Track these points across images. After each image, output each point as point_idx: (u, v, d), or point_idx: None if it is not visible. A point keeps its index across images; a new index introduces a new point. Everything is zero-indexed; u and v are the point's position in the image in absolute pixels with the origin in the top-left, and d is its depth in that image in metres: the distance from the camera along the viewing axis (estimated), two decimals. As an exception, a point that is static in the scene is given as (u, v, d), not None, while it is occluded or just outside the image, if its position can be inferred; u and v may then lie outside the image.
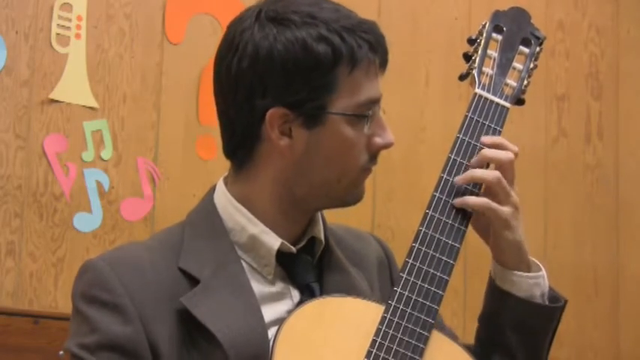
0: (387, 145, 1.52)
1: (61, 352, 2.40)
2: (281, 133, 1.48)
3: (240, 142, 1.51)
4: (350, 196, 1.53)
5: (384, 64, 1.52)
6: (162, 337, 1.42)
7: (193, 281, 1.46)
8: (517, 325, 1.54)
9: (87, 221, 2.59)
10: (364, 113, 1.48)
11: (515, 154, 1.53)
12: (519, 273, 1.54)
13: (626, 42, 3.38)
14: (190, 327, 1.43)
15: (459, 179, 1.51)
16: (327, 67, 1.46)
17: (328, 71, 1.46)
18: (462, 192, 1.51)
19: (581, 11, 3.33)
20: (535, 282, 1.54)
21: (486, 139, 1.53)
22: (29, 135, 2.55)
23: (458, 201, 1.50)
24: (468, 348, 1.59)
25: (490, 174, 1.51)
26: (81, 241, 2.56)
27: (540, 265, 1.57)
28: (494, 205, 1.50)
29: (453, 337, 1.62)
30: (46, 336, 2.45)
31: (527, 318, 1.54)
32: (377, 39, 1.50)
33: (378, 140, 1.51)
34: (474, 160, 1.52)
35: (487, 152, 1.52)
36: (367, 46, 1.48)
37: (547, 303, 1.55)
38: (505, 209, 1.51)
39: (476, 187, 1.52)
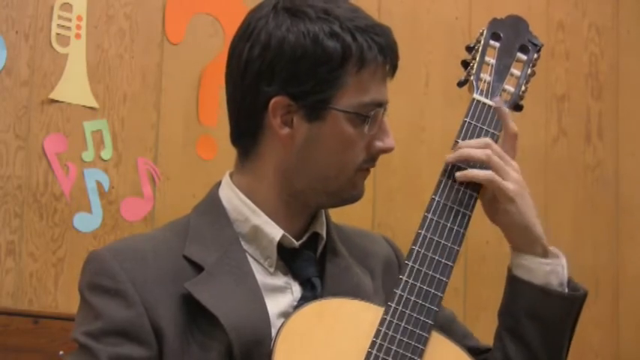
0: (386, 150, 1.53)
1: (62, 352, 2.40)
2: (283, 122, 1.49)
3: (245, 128, 1.53)
4: (347, 194, 1.54)
5: (392, 69, 1.54)
6: (166, 320, 1.44)
7: (198, 268, 1.48)
8: (532, 313, 1.51)
9: (87, 221, 2.59)
10: (365, 113, 1.49)
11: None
12: (532, 257, 1.53)
13: (626, 42, 3.38)
14: (194, 312, 1.45)
15: (450, 157, 1.52)
16: (335, 63, 1.47)
17: (336, 68, 1.47)
18: (460, 196, 1.52)
19: (581, 11, 3.33)
20: (551, 269, 1.53)
21: (470, 142, 1.53)
22: (29, 135, 2.55)
23: (461, 174, 1.51)
24: (478, 349, 1.59)
25: (480, 151, 1.51)
26: (81, 241, 2.55)
27: (560, 254, 1.55)
28: (498, 178, 1.51)
29: (464, 336, 1.63)
30: (46, 336, 2.45)
31: (543, 306, 1.51)
32: (388, 43, 1.51)
33: (378, 143, 1.52)
34: (450, 157, 1.53)
35: (464, 151, 1.53)
36: (377, 48, 1.49)
37: (566, 292, 1.52)
38: (508, 184, 1.52)
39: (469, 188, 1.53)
